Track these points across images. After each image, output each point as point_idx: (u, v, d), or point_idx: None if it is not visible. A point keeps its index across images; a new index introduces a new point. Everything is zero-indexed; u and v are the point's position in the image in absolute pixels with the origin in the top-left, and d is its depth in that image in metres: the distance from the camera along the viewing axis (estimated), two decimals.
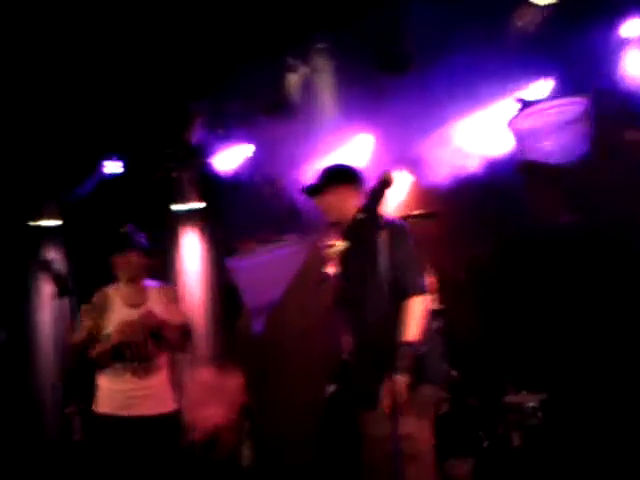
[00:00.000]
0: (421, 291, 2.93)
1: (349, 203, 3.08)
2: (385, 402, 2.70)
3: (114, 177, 6.20)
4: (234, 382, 5.22)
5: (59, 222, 6.22)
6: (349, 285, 3.04)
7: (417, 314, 2.85)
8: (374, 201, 2.62)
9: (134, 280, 3.62)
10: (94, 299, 3.62)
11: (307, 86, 5.25)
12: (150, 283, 3.70)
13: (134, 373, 3.59)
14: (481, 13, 3.61)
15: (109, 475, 3.47)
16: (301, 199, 2.74)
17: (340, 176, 3.17)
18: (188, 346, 3.71)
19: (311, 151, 5.04)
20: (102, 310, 3.58)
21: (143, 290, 3.66)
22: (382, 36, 4.23)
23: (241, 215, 5.73)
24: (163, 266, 6.31)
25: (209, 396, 5.38)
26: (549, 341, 4.18)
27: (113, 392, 3.62)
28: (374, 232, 2.67)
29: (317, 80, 5.19)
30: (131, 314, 3.55)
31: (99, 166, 6.14)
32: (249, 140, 5.85)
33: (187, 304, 6.07)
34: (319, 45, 5.10)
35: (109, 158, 6.19)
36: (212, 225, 6.46)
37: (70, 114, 5.27)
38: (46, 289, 5.89)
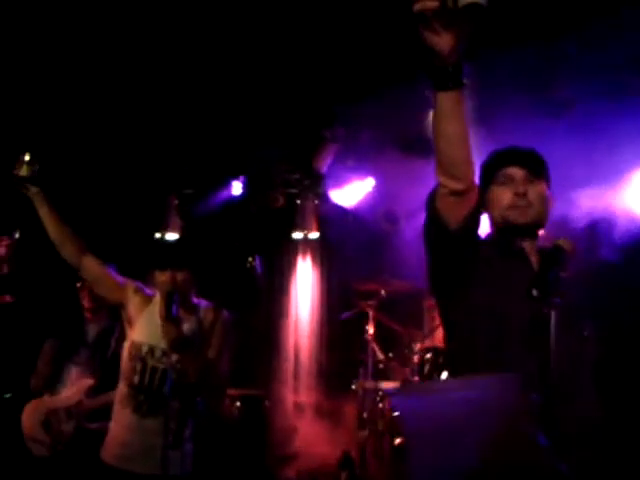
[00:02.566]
0: None
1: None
2: None
3: (239, 197, 6.23)
4: (346, 414, 4.66)
5: (179, 236, 6.25)
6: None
7: None
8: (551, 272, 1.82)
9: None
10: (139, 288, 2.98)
11: None
12: (198, 301, 3.01)
13: (136, 409, 2.70)
14: None
15: None
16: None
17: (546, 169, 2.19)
18: (204, 379, 2.79)
19: None
20: (137, 306, 2.91)
21: (187, 308, 2.93)
22: (538, 74, 3.92)
23: (359, 251, 5.53)
24: (278, 291, 6.29)
25: (315, 427, 4.87)
26: None
27: (112, 432, 2.78)
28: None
29: None
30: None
31: (226, 185, 6.20)
32: (377, 174, 5.67)
33: (297, 330, 6.11)
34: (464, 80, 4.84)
35: (236, 178, 6.23)
36: (328, 257, 6.34)
37: (208, 129, 5.28)
38: None
